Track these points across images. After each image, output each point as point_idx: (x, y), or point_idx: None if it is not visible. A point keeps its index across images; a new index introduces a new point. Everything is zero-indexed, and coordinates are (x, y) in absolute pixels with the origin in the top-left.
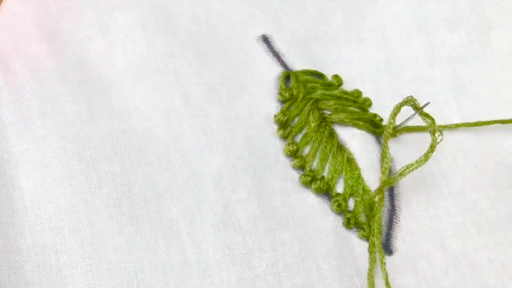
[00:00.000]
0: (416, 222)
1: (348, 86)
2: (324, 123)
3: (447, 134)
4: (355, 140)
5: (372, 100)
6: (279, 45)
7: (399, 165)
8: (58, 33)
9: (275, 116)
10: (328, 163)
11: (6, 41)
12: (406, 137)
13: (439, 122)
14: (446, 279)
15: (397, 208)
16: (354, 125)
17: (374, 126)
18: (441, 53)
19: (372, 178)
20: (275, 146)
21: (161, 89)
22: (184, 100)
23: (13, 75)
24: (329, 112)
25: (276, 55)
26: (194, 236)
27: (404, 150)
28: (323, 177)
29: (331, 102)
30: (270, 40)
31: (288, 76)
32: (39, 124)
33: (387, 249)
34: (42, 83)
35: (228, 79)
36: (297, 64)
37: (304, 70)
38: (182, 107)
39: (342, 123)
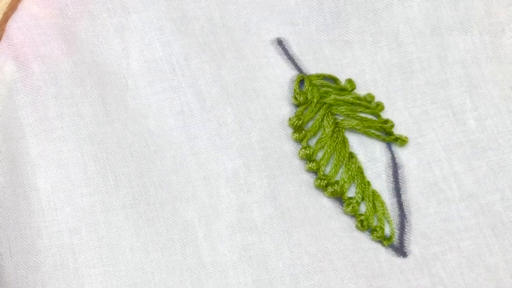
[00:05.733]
0: (428, 225)
1: (361, 89)
2: (337, 129)
3: (462, 136)
4: (364, 148)
5: (385, 104)
6: (294, 48)
7: (408, 172)
8: (75, 34)
9: (290, 119)
10: (341, 169)
11: (24, 42)
12: (418, 140)
13: (453, 125)
14: (462, 281)
15: (407, 213)
16: (365, 133)
17: (384, 134)
18: (454, 56)
19: (377, 187)
20: (289, 149)
21: (177, 91)
22: (200, 102)
23: (30, 76)
24: (341, 118)
25: (291, 59)
26: (210, 237)
27: (417, 154)
28: (337, 182)
29: (343, 108)
30: (285, 43)
31: (302, 79)
32: (56, 125)
33: (401, 251)
34: (59, 84)
35: (243, 82)
36: (311, 67)
37: (318, 74)
38: (197, 109)
39: (353, 129)
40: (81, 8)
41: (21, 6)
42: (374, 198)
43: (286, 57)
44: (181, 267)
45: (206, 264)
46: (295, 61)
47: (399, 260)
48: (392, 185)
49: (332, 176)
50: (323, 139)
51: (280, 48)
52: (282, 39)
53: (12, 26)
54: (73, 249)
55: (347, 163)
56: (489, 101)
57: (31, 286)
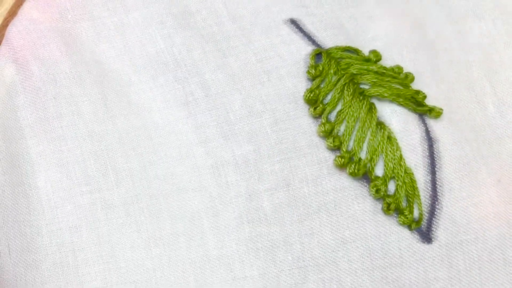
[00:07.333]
0: (459, 210)
1: (387, 63)
2: (361, 97)
3: (484, 120)
4: (396, 117)
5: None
6: (309, 26)
7: (443, 147)
8: (75, 36)
9: (305, 93)
10: (366, 142)
11: (24, 45)
12: (450, 116)
13: (476, 108)
14: (479, 274)
15: (439, 194)
16: (394, 101)
17: (416, 104)
18: (473, 40)
19: (412, 162)
20: (308, 128)
21: (180, 81)
22: (204, 90)
23: (29, 78)
24: (366, 87)
25: (307, 35)
26: (217, 229)
27: (451, 129)
28: (360, 159)
29: (369, 76)
30: (299, 22)
31: (319, 54)
32: (56, 125)
33: (427, 237)
34: (58, 85)
35: (252, 65)
36: (330, 43)
37: (337, 46)
38: (202, 98)
39: (381, 97)
40: (81, 10)
41: (21, 11)
42: (405, 176)
43: (301, 34)
44: (184, 262)
45: (211, 257)
46: (312, 37)
47: (422, 246)
48: (428, 160)
49: (357, 151)
50: (343, 111)
51: (294, 26)
52: (295, 18)
53: (12, 30)
54: (73, 247)
55: (373, 133)
56: (508, 88)
57: (30, 284)
